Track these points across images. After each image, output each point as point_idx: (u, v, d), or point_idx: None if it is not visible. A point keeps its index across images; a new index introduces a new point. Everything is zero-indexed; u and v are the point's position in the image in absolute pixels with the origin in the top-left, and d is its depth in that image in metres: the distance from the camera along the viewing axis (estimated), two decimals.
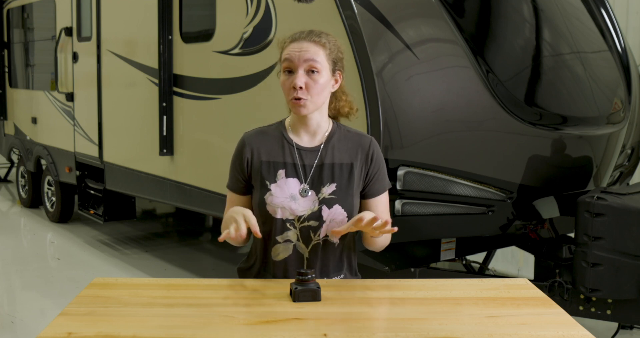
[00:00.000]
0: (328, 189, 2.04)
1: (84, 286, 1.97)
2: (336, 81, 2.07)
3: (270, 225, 2.05)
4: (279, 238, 2.05)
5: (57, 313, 1.74)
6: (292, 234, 2.04)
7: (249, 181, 2.10)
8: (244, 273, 2.19)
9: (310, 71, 1.98)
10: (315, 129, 2.09)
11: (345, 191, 2.05)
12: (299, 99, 1.98)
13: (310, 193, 2.04)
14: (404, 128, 3.34)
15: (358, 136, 2.12)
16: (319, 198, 2.03)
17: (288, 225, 2.04)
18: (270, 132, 2.11)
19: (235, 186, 2.14)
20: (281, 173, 2.05)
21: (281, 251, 2.06)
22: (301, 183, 2.04)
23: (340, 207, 2.04)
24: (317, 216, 2.03)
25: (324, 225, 2.04)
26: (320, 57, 1.99)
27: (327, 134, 2.09)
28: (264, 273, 2.11)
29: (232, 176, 2.14)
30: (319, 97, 2.02)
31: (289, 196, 2.03)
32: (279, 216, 2.03)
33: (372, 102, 3.30)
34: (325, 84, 2.01)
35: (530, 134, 3.62)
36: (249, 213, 1.91)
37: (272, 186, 2.04)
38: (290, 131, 2.10)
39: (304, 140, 2.09)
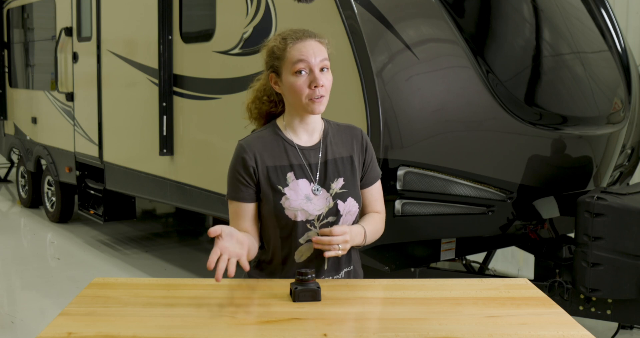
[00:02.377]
0: (337, 185, 2.06)
1: (84, 286, 1.97)
2: None
3: (290, 228, 2.03)
4: (301, 240, 2.05)
5: (57, 313, 1.73)
6: (312, 234, 2.04)
7: (258, 188, 2.05)
8: (256, 276, 2.15)
9: (322, 69, 1.99)
10: (314, 127, 2.09)
11: (353, 183, 2.08)
12: (320, 97, 1.98)
13: (322, 191, 2.04)
14: (404, 128, 3.34)
15: (349, 129, 2.15)
16: (330, 194, 2.05)
17: (309, 225, 2.03)
18: (266, 136, 2.08)
19: (242, 196, 2.05)
20: (290, 175, 2.04)
21: (304, 252, 2.05)
22: (310, 182, 2.05)
23: (353, 199, 2.07)
24: (334, 211, 2.04)
25: (341, 219, 2.05)
26: (327, 55, 2.02)
27: (322, 130, 2.11)
28: (285, 276, 2.08)
29: (235, 186, 2.06)
30: (329, 94, 2.04)
31: (303, 197, 2.02)
32: (299, 218, 2.02)
33: (372, 102, 3.30)
34: (332, 80, 2.04)
35: (530, 134, 3.63)
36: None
37: (286, 190, 2.02)
38: (288, 131, 2.08)
39: (302, 139, 2.09)
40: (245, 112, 2.21)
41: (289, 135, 2.08)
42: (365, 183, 2.15)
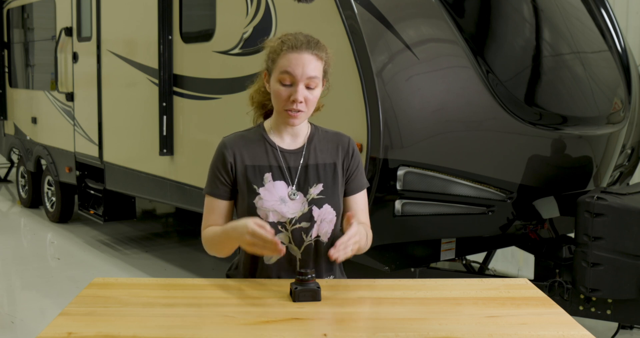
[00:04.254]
0: (315, 190, 2.04)
1: (84, 286, 1.97)
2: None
3: None
4: None
5: (57, 313, 1.74)
6: (283, 236, 2.03)
7: (234, 186, 2.08)
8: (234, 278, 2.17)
9: (307, 85, 1.97)
10: (298, 131, 2.09)
11: (332, 190, 2.06)
12: (297, 111, 1.97)
13: (298, 195, 2.04)
14: (404, 128, 3.34)
15: (336, 136, 2.14)
16: (307, 199, 2.04)
17: (280, 227, 2.03)
18: (250, 136, 2.10)
19: (217, 192, 2.09)
20: (268, 176, 2.04)
21: (274, 255, 2.04)
22: (288, 185, 2.04)
23: (329, 206, 2.05)
24: (308, 217, 2.03)
25: (315, 225, 2.04)
26: (319, 72, 1.99)
27: (307, 135, 2.10)
28: (257, 278, 2.09)
29: (213, 181, 2.10)
30: (312, 109, 2.03)
31: (278, 199, 2.02)
32: (270, 219, 2.02)
33: (372, 102, 3.30)
34: (319, 95, 2.03)
35: (530, 134, 3.63)
36: (254, 225, 1.86)
37: (261, 190, 2.03)
38: (272, 133, 2.09)
39: (286, 142, 2.09)
40: (248, 101, 2.20)
41: (273, 137, 2.09)
42: (348, 192, 2.13)
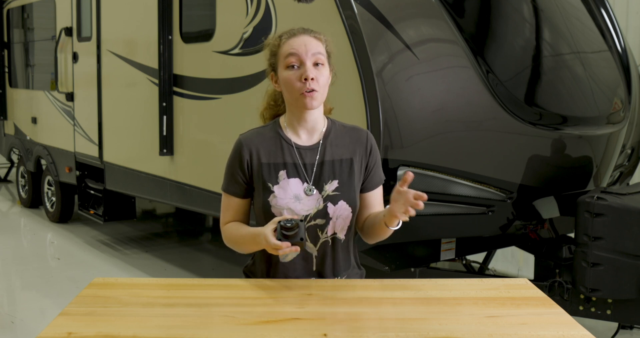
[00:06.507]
0: (330, 186, 2.04)
1: (84, 286, 1.97)
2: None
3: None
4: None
5: (57, 313, 1.74)
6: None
7: (250, 183, 2.08)
8: (250, 275, 2.18)
9: (316, 64, 1.98)
10: (314, 126, 2.08)
11: (348, 186, 2.05)
12: (312, 91, 1.96)
13: (314, 192, 2.03)
14: (404, 128, 3.34)
15: (354, 131, 2.12)
16: (322, 196, 2.03)
17: None
18: (266, 133, 2.09)
19: (234, 190, 2.10)
20: (282, 173, 2.04)
21: (290, 253, 2.05)
22: (303, 182, 2.03)
23: (345, 203, 2.04)
24: (323, 213, 2.02)
25: (331, 222, 2.03)
26: (322, 49, 2.01)
27: (324, 130, 2.09)
28: (273, 276, 2.09)
29: (230, 179, 2.11)
30: (325, 90, 2.02)
31: (292, 196, 2.02)
32: None
33: (372, 102, 3.30)
34: (328, 76, 2.03)
35: (530, 134, 3.63)
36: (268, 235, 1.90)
37: (275, 188, 2.02)
38: (287, 130, 2.08)
39: (302, 138, 2.08)
40: (259, 119, 2.21)
41: (288, 134, 2.08)
42: (367, 188, 2.12)
